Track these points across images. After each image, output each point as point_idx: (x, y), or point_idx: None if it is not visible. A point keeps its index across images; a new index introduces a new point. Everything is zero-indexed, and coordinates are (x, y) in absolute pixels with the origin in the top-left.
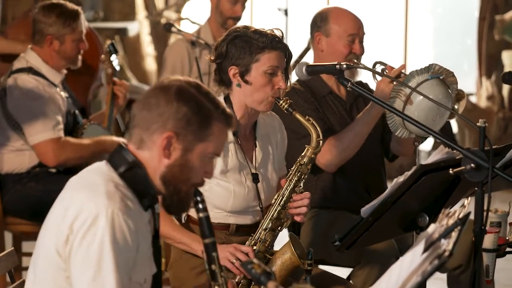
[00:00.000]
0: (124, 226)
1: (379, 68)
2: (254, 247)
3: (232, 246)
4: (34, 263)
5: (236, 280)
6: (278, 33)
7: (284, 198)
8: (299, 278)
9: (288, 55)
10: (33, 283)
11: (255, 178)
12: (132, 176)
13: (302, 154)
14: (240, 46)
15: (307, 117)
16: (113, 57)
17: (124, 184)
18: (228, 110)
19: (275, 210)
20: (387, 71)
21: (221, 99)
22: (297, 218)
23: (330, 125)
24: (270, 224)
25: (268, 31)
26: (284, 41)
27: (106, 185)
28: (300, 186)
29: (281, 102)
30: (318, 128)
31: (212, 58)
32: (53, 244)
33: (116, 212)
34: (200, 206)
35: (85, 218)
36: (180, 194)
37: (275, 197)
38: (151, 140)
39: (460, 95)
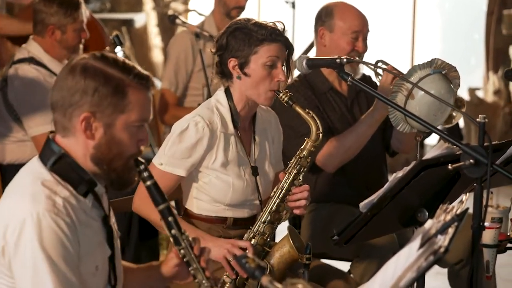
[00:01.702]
0: (53, 225)
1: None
2: (253, 240)
3: (229, 242)
4: None
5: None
6: (279, 25)
7: (283, 191)
8: (297, 271)
9: (289, 48)
10: None
11: (254, 171)
12: (61, 167)
13: (302, 147)
14: (240, 38)
15: (307, 110)
16: (118, 49)
17: (54, 178)
18: (142, 71)
19: (274, 203)
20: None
21: (221, 92)
22: (297, 211)
23: (330, 123)
24: (269, 217)
25: (269, 24)
26: (286, 34)
27: (32, 186)
28: (300, 179)
29: (281, 94)
30: (318, 121)
31: (213, 50)
32: None
33: (42, 213)
34: (145, 174)
35: (14, 226)
36: (116, 170)
37: (274, 190)
38: (71, 125)
39: (460, 103)
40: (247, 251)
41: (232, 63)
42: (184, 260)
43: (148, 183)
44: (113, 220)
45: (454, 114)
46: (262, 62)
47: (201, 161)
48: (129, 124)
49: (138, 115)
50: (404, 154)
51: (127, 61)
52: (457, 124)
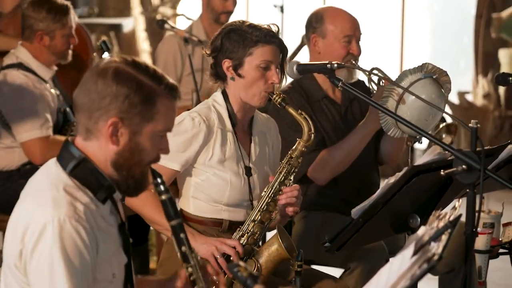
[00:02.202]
0: (73, 232)
1: (375, 75)
2: (242, 239)
3: (218, 240)
4: (4, 273)
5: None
6: (274, 28)
7: (273, 190)
8: (287, 275)
9: (283, 50)
10: None
11: (248, 171)
12: (81, 172)
13: (293, 147)
14: (234, 39)
15: (299, 111)
16: (105, 55)
17: (74, 183)
18: (171, 81)
19: (264, 202)
20: (382, 82)
21: (218, 93)
22: (289, 210)
23: (324, 132)
24: (259, 216)
25: (264, 26)
26: (280, 36)
27: (52, 190)
28: (290, 179)
29: (274, 96)
30: (310, 122)
31: (208, 52)
32: (11, 257)
33: (62, 219)
34: (162, 188)
35: (33, 230)
36: (135, 177)
37: (265, 189)
38: (96, 129)
39: (452, 129)
40: (236, 249)
41: (226, 64)
42: (191, 278)
43: (164, 197)
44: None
45: (443, 135)
46: (256, 63)
47: (197, 157)
48: (155, 133)
49: (164, 124)
50: (390, 166)
51: (157, 69)
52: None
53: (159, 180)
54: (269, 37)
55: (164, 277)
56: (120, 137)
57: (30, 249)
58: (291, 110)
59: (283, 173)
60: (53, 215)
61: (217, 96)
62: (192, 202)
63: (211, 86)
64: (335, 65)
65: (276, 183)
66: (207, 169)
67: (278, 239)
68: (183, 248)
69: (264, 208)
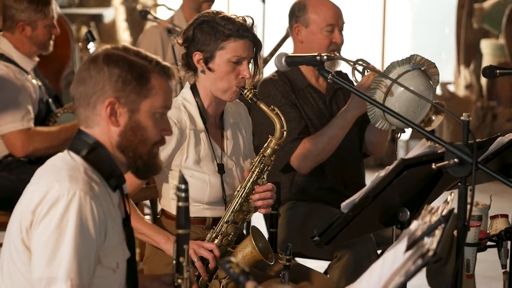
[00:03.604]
0: (86, 207)
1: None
2: (216, 240)
3: (195, 243)
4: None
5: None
6: (249, 20)
7: (246, 190)
8: (265, 268)
9: (257, 44)
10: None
11: (220, 169)
12: (96, 157)
13: (266, 145)
14: (206, 31)
15: (271, 106)
16: (91, 45)
17: (90, 167)
18: (163, 62)
19: (237, 203)
20: (367, 71)
21: (186, 90)
22: (262, 211)
23: (308, 119)
24: (232, 217)
25: (238, 19)
26: (255, 29)
27: (69, 170)
28: (264, 178)
29: (245, 91)
30: (283, 118)
31: (180, 42)
32: (19, 235)
33: (78, 193)
34: (183, 195)
35: (47, 200)
36: (142, 157)
37: (237, 189)
38: (95, 114)
39: (440, 109)
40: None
41: (197, 56)
42: None
43: (181, 204)
44: None
45: (433, 117)
46: (227, 58)
47: (170, 160)
48: (153, 110)
49: (161, 101)
50: (375, 156)
51: (149, 53)
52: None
53: (183, 186)
54: (242, 31)
55: (151, 275)
56: (119, 117)
57: (41, 216)
58: (262, 106)
59: (255, 172)
60: (69, 189)
61: (186, 93)
62: (173, 203)
63: (184, 75)
64: (325, 57)
65: (249, 183)
66: (185, 171)
67: (251, 241)
68: (181, 259)
69: (237, 209)
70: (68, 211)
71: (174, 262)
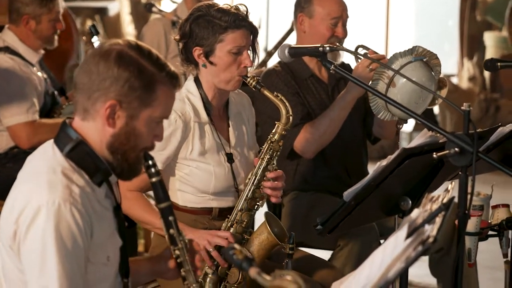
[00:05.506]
0: (67, 215)
1: (361, 52)
2: (231, 229)
3: (209, 233)
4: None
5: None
6: (242, 8)
7: (257, 177)
8: (281, 260)
9: (254, 31)
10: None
11: (229, 158)
12: (78, 154)
13: (273, 131)
14: (203, 26)
15: (275, 93)
16: (95, 39)
17: (71, 165)
18: (172, 69)
19: (250, 190)
20: (369, 55)
21: (190, 82)
22: (273, 199)
23: (310, 109)
24: (246, 205)
25: (232, 9)
26: (249, 17)
27: (48, 173)
28: (273, 164)
29: (248, 79)
30: (287, 104)
31: (177, 37)
32: (6, 239)
33: (57, 202)
34: (153, 170)
35: (28, 212)
36: (128, 161)
37: (249, 176)
38: (94, 109)
39: (442, 83)
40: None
41: (197, 52)
42: (178, 261)
43: (154, 179)
44: None
45: (438, 92)
46: (227, 49)
47: (177, 152)
48: (151, 119)
49: (162, 111)
50: (386, 140)
51: (160, 56)
52: (432, 110)
53: (150, 162)
54: (238, 21)
55: (154, 256)
56: (117, 120)
57: (24, 230)
58: (266, 93)
59: (265, 159)
60: (48, 198)
61: (190, 85)
62: (179, 195)
63: (184, 70)
64: (327, 48)
65: (260, 170)
66: (190, 163)
67: (266, 227)
68: (171, 231)
69: (250, 196)
70: (49, 223)
71: (166, 235)
